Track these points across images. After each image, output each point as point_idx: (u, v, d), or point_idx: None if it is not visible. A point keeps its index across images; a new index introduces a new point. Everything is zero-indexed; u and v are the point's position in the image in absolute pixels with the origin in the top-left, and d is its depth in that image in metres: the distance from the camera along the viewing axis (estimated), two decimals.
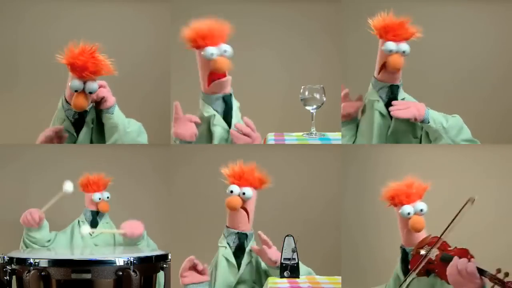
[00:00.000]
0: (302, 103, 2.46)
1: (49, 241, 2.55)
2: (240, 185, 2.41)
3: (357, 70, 2.58)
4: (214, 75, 2.38)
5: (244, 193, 2.40)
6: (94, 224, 2.61)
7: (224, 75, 2.39)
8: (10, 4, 2.98)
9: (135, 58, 3.01)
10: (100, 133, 2.46)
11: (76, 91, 2.31)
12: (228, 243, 2.42)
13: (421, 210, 2.32)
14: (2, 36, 2.98)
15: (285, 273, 2.36)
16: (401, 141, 2.45)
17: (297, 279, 2.36)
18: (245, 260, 2.41)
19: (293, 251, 2.36)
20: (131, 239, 2.52)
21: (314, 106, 2.45)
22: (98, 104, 2.41)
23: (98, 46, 2.32)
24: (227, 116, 2.43)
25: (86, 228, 2.53)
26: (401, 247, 2.34)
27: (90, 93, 2.33)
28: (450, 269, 2.02)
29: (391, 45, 2.35)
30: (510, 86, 2.96)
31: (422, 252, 2.17)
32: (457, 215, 2.11)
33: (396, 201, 2.34)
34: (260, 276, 2.44)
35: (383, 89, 2.41)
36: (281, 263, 2.37)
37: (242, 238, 2.42)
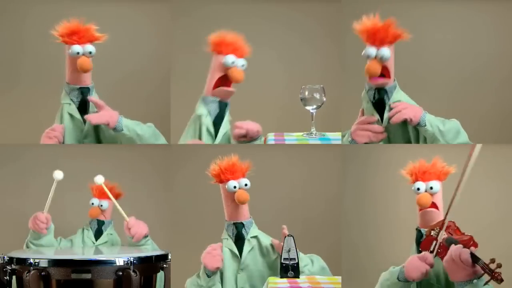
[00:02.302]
0: (302, 103, 2.46)
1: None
2: (236, 179, 2.44)
3: (357, 70, 2.58)
4: (223, 81, 2.44)
5: (246, 184, 2.45)
6: (98, 233, 2.62)
7: (230, 85, 2.46)
8: (11, 4, 2.98)
9: (135, 58, 3.01)
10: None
11: (77, 53, 2.45)
12: (229, 235, 2.47)
13: (431, 188, 2.32)
14: (2, 36, 2.98)
15: (289, 273, 2.37)
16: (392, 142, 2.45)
17: (297, 279, 2.36)
18: (246, 247, 2.45)
19: (288, 250, 2.36)
20: (135, 243, 2.51)
21: (314, 106, 2.45)
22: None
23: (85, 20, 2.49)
24: (216, 122, 2.45)
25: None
26: (416, 228, 2.34)
27: (90, 53, 2.46)
28: (447, 256, 2.04)
29: (369, 50, 2.32)
30: (510, 86, 2.96)
31: (432, 233, 2.19)
32: (465, 168, 2.11)
33: (413, 177, 2.36)
34: (265, 262, 2.47)
35: (370, 91, 2.40)
36: (281, 263, 2.37)
37: (239, 227, 2.46)
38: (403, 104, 2.36)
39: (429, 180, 2.34)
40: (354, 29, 2.35)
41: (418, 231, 2.33)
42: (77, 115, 2.51)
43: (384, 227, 2.87)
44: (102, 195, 2.60)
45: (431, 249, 2.17)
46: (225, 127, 2.48)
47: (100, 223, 2.62)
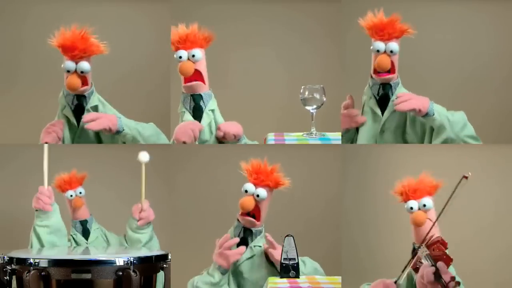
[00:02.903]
0: (302, 103, 2.46)
1: (65, 234, 2.54)
2: (256, 184, 2.41)
3: (357, 70, 2.58)
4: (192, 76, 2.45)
5: (258, 196, 2.41)
6: (86, 233, 2.60)
7: (192, 79, 2.44)
8: (10, 4, 2.98)
9: (135, 58, 3.01)
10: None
11: (68, 71, 2.38)
12: (234, 235, 2.45)
13: (424, 206, 2.30)
14: (2, 36, 2.98)
15: (290, 274, 2.37)
16: (392, 139, 2.45)
17: (297, 279, 2.36)
18: (246, 254, 2.43)
19: (285, 250, 2.36)
20: (135, 224, 2.50)
21: (314, 106, 2.45)
22: (106, 132, 2.47)
23: (87, 27, 2.39)
24: (196, 115, 2.46)
25: (144, 155, 2.52)
26: (413, 243, 2.34)
27: (82, 72, 2.39)
28: (418, 276, 2.06)
29: (378, 44, 2.34)
30: (510, 86, 2.96)
31: (419, 251, 2.19)
32: (452, 194, 2.10)
33: (404, 197, 2.34)
34: (261, 273, 2.46)
35: (375, 86, 2.41)
36: (281, 263, 2.37)
37: (246, 233, 2.43)
38: (409, 94, 2.36)
39: (421, 197, 2.32)
40: (360, 25, 2.36)
41: (413, 247, 2.33)
42: (72, 119, 2.49)
43: (384, 227, 2.87)
44: (72, 184, 2.58)
45: (411, 265, 2.15)
46: (207, 118, 2.47)
47: (84, 223, 2.60)
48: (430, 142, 2.45)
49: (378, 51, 2.34)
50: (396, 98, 2.37)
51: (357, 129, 2.48)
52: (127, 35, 2.98)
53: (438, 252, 2.11)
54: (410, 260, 2.18)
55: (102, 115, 2.46)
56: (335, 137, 2.49)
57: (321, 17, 2.99)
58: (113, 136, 2.49)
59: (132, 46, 2.99)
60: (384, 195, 2.75)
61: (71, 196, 2.58)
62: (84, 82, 2.44)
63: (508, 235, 2.75)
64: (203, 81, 2.45)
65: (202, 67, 2.45)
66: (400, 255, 2.35)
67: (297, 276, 2.37)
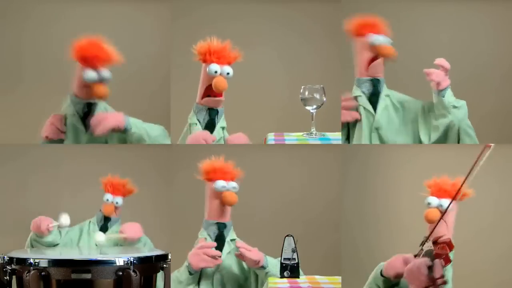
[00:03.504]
0: (302, 103, 2.46)
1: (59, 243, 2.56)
2: (226, 180, 2.44)
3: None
4: (210, 91, 2.45)
5: (234, 187, 2.44)
6: (103, 229, 2.61)
7: (221, 95, 2.45)
8: (12, 4, 2.98)
9: (136, 58, 3.01)
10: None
11: (92, 81, 2.40)
12: (208, 234, 2.47)
13: (441, 205, 2.32)
14: (4, 36, 2.98)
15: (285, 273, 2.37)
16: (386, 135, 2.47)
17: (297, 279, 2.36)
18: (225, 249, 2.45)
19: (293, 251, 2.37)
20: (131, 243, 2.52)
21: (314, 106, 2.45)
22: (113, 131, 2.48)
23: (100, 36, 2.42)
24: (207, 128, 2.47)
25: (100, 235, 2.52)
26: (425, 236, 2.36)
27: (104, 80, 2.42)
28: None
29: (375, 36, 2.41)
30: (510, 86, 2.96)
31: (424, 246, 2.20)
32: (475, 163, 2.12)
33: (430, 191, 2.38)
34: (242, 265, 2.47)
35: (364, 83, 2.43)
36: (281, 263, 2.38)
37: (221, 228, 2.46)
38: (436, 71, 2.42)
39: (443, 197, 2.34)
40: (347, 29, 2.40)
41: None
42: (80, 126, 2.50)
43: (384, 227, 2.87)
44: (116, 191, 2.59)
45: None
46: (217, 135, 2.47)
47: (107, 220, 2.62)
48: (429, 137, 2.46)
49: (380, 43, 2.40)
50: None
51: (349, 127, 2.51)
52: (128, 35, 2.98)
53: (441, 251, 2.12)
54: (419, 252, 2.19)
55: (107, 114, 2.47)
56: (335, 137, 2.49)
57: (321, 17, 2.98)
58: (119, 137, 2.49)
59: (133, 46, 2.99)
60: (384, 195, 2.76)
61: (107, 200, 2.59)
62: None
63: (508, 235, 2.75)
64: (222, 96, 2.47)
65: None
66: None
67: (296, 276, 2.37)
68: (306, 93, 2.45)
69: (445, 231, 2.30)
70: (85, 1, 2.91)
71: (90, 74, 2.40)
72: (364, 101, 2.47)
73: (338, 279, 2.36)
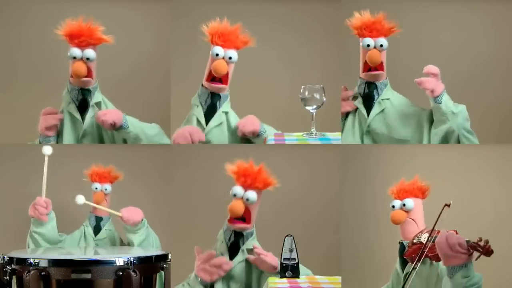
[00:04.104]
0: (302, 103, 2.46)
1: (59, 241, 2.55)
2: (244, 186, 2.41)
3: (357, 70, 2.58)
4: (212, 74, 2.46)
5: (248, 199, 2.40)
6: (97, 230, 2.61)
7: (223, 81, 2.45)
8: (10, 4, 2.98)
9: (136, 58, 3.01)
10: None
11: (74, 57, 2.43)
12: (224, 238, 2.44)
13: (404, 205, 2.39)
14: (2, 36, 2.98)
15: (286, 273, 2.37)
16: (377, 140, 2.48)
17: (297, 279, 2.36)
18: (238, 258, 2.43)
19: (290, 250, 2.36)
20: (128, 226, 2.50)
21: (314, 106, 2.45)
22: (107, 127, 2.49)
23: (93, 19, 2.48)
24: (208, 113, 2.45)
25: (80, 198, 2.51)
26: (399, 242, 2.37)
27: (88, 59, 2.44)
28: (439, 242, 2.04)
29: (367, 40, 2.41)
30: (510, 86, 2.96)
31: (415, 240, 2.21)
32: (436, 222, 2.14)
33: (394, 195, 2.44)
34: (253, 276, 2.45)
35: (361, 85, 2.45)
36: (281, 263, 2.37)
37: (237, 237, 2.42)
38: (429, 79, 2.40)
39: (404, 198, 2.40)
40: (349, 26, 2.39)
41: (401, 244, 2.36)
42: (76, 115, 2.51)
43: (384, 227, 2.87)
44: (102, 179, 2.61)
45: (419, 254, 2.16)
46: (217, 119, 2.47)
47: (99, 219, 2.62)
48: (429, 138, 2.46)
49: (368, 45, 2.38)
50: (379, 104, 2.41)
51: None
52: (127, 35, 2.98)
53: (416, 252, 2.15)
54: (412, 251, 2.20)
55: (107, 110, 2.48)
56: (335, 137, 2.49)
57: (321, 17, 2.98)
58: (114, 134, 2.50)
59: (133, 46, 2.99)
60: (384, 195, 2.76)
61: (96, 189, 2.61)
62: (89, 72, 2.46)
63: (508, 235, 2.75)
64: (227, 82, 2.47)
65: (231, 69, 2.47)
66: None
67: (296, 276, 2.37)
68: (306, 93, 2.45)
69: (418, 229, 2.33)
70: (84, 1, 2.91)
71: (74, 50, 2.43)
72: (358, 102, 2.48)
73: (338, 279, 2.36)
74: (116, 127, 2.47)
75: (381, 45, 2.40)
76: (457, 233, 2.13)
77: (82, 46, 2.44)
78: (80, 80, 2.46)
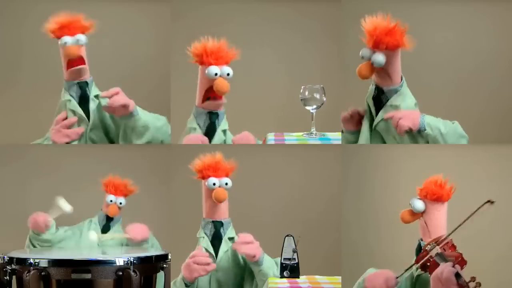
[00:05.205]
0: (302, 103, 2.46)
1: (59, 241, 2.56)
2: (217, 177, 2.42)
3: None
4: (211, 93, 2.41)
5: (226, 183, 2.42)
6: (105, 228, 2.61)
7: (221, 97, 2.42)
8: (11, 4, 2.98)
9: (135, 58, 3.01)
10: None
11: (65, 43, 2.43)
12: (205, 233, 2.45)
13: (411, 205, 2.35)
14: (2, 36, 2.98)
15: (285, 273, 2.37)
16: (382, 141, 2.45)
17: (297, 279, 2.36)
18: (222, 247, 2.44)
19: (294, 251, 2.37)
20: (136, 244, 2.52)
21: (314, 106, 2.45)
22: (118, 113, 2.46)
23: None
24: (208, 133, 2.44)
25: (93, 234, 2.52)
26: (418, 240, 2.35)
27: (78, 41, 2.43)
28: (434, 273, 2.05)
29: (365, 51, 2.30)
30: (510, 85, 2.96)
31: (428, 247, 2.20)
32: (471, 215, 2.12)
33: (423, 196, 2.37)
34: (239, 263, 2.45)
35: (372, 86, 2.41)
36: (281, 263, 2.38)
37: (217, 226, 2.45)
38: (397, 114, 2.32)
39: (424, 197, 2.34)
40: (361, 25, 2.33)
41: (418, 243, 2.34)
42: (79, 110, 2.50)
43: (384, 227, 2.87)
44: (118, 192, 2.59)
45: (422, 262, 2.16)
46: (217, 140, 2.45)
47: (109, 219, 2.61)
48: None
49: (362, 57, 2.31)
50: (386, 120, 2.36)
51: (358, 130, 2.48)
52: (127, 35, 2.98)
53: (452, 252, 2.13)
54: (420, 257, 2.18)
55: (116, 96, 2.45)
56: (335, 137, 2.49)
57: (321, 17, 2.98)
58: (120, 125, 2.48)
59: (132, 46, 2.99)
60: (384, 195, 2.76)
61: (111, 201, 2.59)
62: (82, 59, 2.46)
63: (508, 236, 2.75)
64: (222, 97, 2.44)
65: None
66: (400, 255, 2.36)
67: (296, 276, 2.37)
68: (306, 93, 2.45)
69: (426, 231, 2.31)
70: (85, 1, 2.91)
71: (65, 38, 2.43)
72: (370, 100, 2.43)
73: (338, 279, 2.36)
74: (129, 110, 2.44)
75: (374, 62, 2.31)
76: (460, 261, 2.10)
77: (71, 34, 2.44)
78: (80, 68, 2.45)
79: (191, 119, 2.46)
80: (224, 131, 2.47)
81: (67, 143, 2.47)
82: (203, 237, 2.46)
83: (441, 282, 2.02)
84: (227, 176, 2.44)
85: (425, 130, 2.32)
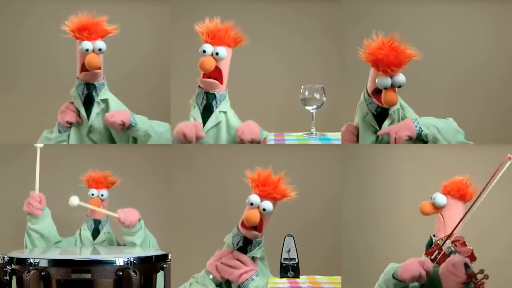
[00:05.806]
0: (302, 103, 2.46)
1: (57, 242, 2.56)
2: (261, 196, 2.36)
3: (357, 70, 2.58)
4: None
5: (264, 209, 2.35)
6: (96, 233, 2.61)
7: (211, 75, 2.43)
8: (12, 4, 2.98)
9: (135, 58, 3.01)
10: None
11: (87, 50, 2.43)
12: (233, 243, 2.40)
13: (433, 198, 2.33)
14: (3, 36, 2.98)
15: (288, 274, 2.37)
16: None
17: (297, 279, 2.36)
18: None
19: (288, 250, 2.36)
20: (125, 228, 2.50)
21: (314, 106, 2.45)
22: (118, 128, 2.50)
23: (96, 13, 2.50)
24: (205, 114, 2.45)
25: (74, 199, 2.51)
26: (430, 235, 2.35)
27: (100, 50, 2.46)
28: (444, 263, 2.10)
29: (385, 80, 2.30)
30: (509, 85, 2.96)
31: (439, 242, 2.21)
32: (494, 175, 2.13)
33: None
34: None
35: (372, 105, 2.40)
36: (281, 263, 2.37)
37: (246, 243, 2.39)
38: (391, 129, 2.35)
39: (447, 193, 2.36)
40: (361, 56, 2.33)
41: (430, 238, 2.34)
42: (81, 110, 2.51)
43: (384, 227, 2.87)
44: (99, 184, 2.61)
45: (433, 257, 2.18)
46: (214, 120, 2.45)
47: (97, 223, 2.62)
48: None
49: (385, 88, 2.30)
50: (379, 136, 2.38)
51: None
52: (127, 35, 2.97)
53: (464, 248, 2.15)
54: (431, 251, 2.20)
55: (115, 112, 2.49)
56: (335, 137, 2.49)
57: (321, 17, 2.98)
58: (123, 133, 2.50)
59: (132, 46, 2.99)
60: (384, 195, 2.76)
61: (93, 195, 2.61)
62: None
63: (508, 235, 2.75)
64: (221, 80, 2.45)
65: (224, 66, 2.45)
66: (400, 255, 2.36)
67: (296, 276, 2.37)
68: (306, 93, 2.45)
69: (442, 226, 2.32)
70: (84, 1, 2.91)
71: (85, 44, 2.44)
72: (370, 118, 2.42)
73: (338, 279, 2.36)
74: (125, 127, 2.47)
75: (399, 86, 2.31)
76: (470, 256, 2.14)
77: (91, 39, 2.45)
78: (93, 73, 2.47)
79: (193, 98, 2.49)
80: (225, 112, 2.46)
81: (68, 122, 2.51)
82: (229, 245, 2.41)
83: (451, 271, 2.06)
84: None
85: (422, 131, 2.33)
